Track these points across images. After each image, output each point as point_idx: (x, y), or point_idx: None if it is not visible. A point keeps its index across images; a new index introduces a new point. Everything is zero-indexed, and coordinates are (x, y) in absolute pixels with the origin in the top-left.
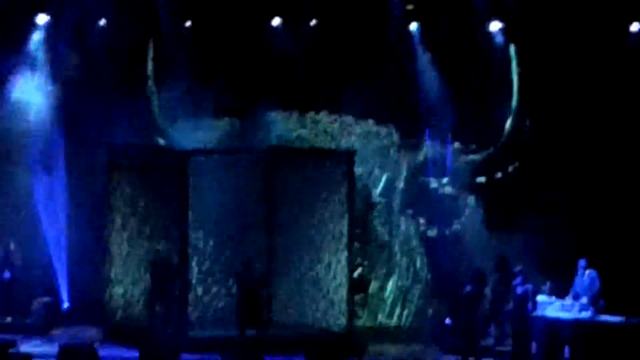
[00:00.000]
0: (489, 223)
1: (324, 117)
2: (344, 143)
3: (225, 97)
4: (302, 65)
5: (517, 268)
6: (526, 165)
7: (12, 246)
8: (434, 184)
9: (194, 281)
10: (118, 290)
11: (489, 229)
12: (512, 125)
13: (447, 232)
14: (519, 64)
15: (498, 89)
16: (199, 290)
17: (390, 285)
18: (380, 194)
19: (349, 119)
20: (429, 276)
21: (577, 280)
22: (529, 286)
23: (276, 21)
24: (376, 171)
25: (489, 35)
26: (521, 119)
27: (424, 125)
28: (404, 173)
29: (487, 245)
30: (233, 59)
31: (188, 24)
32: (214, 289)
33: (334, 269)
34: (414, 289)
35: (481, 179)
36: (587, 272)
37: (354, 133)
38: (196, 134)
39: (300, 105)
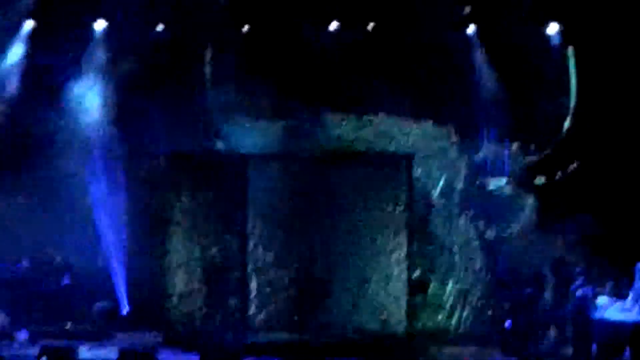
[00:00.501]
0: (547, 223)
1: (382, 118)
2: (402, 144)
3: (281, 100)
4: (358, 67)
5: (578, 270)
6: (585, 164)
7: (72, 252)
8: (492, 185)
9: (253, 284)
10: (177, 294)
11: (546, 229)
12: (570, 125)
13: (506, 233)
14: (576, 64)
15: (555, 90)
16: (258, 294)
17: (449, 286)
18: (439, 195)
19: (407, 120)
20: (488, 277)
21: (636, 283)
22: (589, 288)
23: (334, 25)
24: (435, 172)
25: (546, 37)
26: (579, 119)
27: (482, 126)
28: (463, 174)
29: (546, 246)
30: (289, 62)
31: (245, 28)
32: (274, 292)
33: (394, 271)
34: (473, 290)
35: (540, 180)
36: None
37: (413, 134)
38: (253, 136)
39: (358, 108)
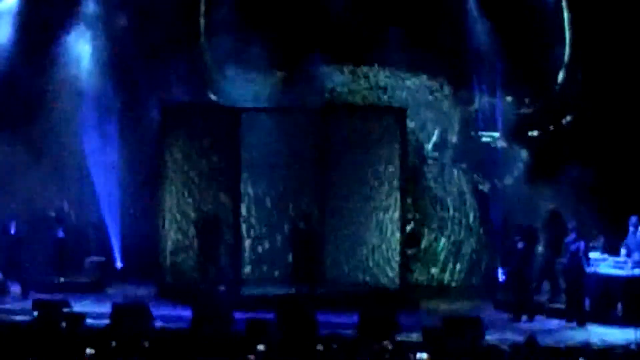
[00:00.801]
0: (539, 176)
1: (375, 70)
2: (396, 97)
3: (275, 51)
4: (351, 18)
5: (571, 224)
6: (578, 118)
7: (65, 205)
8: (486, 137)
9: (246, 238)
10: (171, 248)
11: (538, 182)
12: (564, 78)
13: (499, 186)
14: (570, 17)
15: (549, 43)
16: (251, 248)
17: (442, 239)
18: (433, 148)
19: (400, 72)
20: (481, 230)
21: (629, 238)
22: (582, 243)
23: None
24: (428, 125)
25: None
26: (573, 72)
27: (476, 79)
28: (456, 127)
29: (538, 199)
30: (283, 13)
31: None
32: (267, 246)
33: (387, 224)
34: (466, 243)
35: (533, 133)
36: (639, 229)
37: (406, 87)
38: (247, 87)
39: (351, 59)
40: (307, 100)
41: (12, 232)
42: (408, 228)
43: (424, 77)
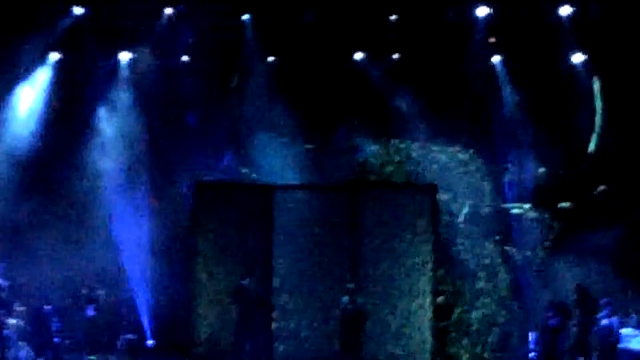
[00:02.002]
0: (572, 249)
1: (407, 143)
2: (427, 169)
3: (308, 125)
4: (385, 95)
5: (604, 300)
6: (610, 187)
7: (95, 283)
8: (517, 209)
9: (279, 315)
10: (204, 325)
11: (570, 253)
12: (596, 147)
13: (531, 258)
14: (601, 84)
15: (580, 117)
16: (285, 324)
17: (474, 312)
18: (464, 220)
19: (432, 144)
20: (514, 303)
21: None
22: (615, 319)
23: (359, 55)
24: (460, 197)
25: (572, 67)
26: (604, 140)
27: (507, 151)
28: (488, 198)
29: (570, 270)
30: (316, 88)
31: (271, 58)
32: (301, 322)
33: (420, 297)
34: (499, 315)
35: (565, 204)
36: None
37: (437, 159)
38: (278, 159)
39: (383, 132)
40: (338, 174)
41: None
42: (440, 299)
43: (455, 148)
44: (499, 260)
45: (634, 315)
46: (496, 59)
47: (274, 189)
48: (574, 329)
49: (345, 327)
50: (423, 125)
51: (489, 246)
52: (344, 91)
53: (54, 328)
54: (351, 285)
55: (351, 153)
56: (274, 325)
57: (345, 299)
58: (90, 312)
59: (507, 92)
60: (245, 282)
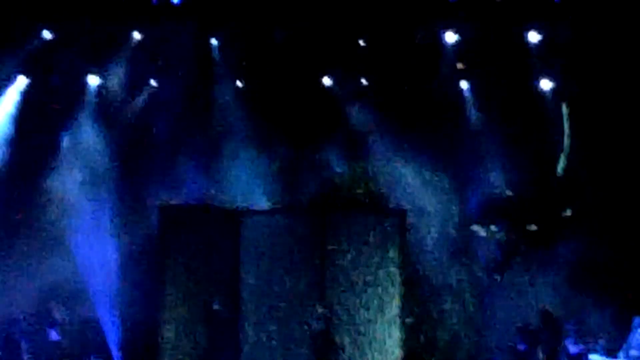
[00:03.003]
0: (538, 272)
1: (378, 166)
2: (398, 192)
3: (278, 146)
4: (353, 117)
5: (570, 325)
6: (578, 211)
7: (52, 305)
8: (482, 232)
9: (248, 338)
10: (171, 347)
11: (537, 275)
12: (564, 168)
13: (499, 279)
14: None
15: (548, 140)
16: (255, 347)
17: (442, 333)
18: (433, 242)
19: (401, 166)
20: (481, 324)
21: (631, 338)
22: (582, 345)
23: (327, 81)
24: (429, 219)
25: (540, 93)
26: (573, 162)
27: (475, 173)
28: (456, 221)
29: (536, 295)
30: (284, 109)
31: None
32: (271, 345)
33: (388, 318)
34: (465, 337)
35: (532, 227)
36: None
37: (406, 180)
38: (247, 181)
39: (353, 155)
40: (307, 193)
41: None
42: (408, 320)
43: (426, 172)
44: (466, 282)
45: (601, 341)
46: (464, 84)
47: (240, 214)
48: (541, 354)
49: (317, 352)
50: (391, 147)
51: (457, 268)
52: (313, 113)
53: (24, 354)
54: (325, 311)
55: (320, 172)
56: (243, 349)
57: (318, 323)
58: (55, 336)
59: (475, 116)
60: (216, 306)
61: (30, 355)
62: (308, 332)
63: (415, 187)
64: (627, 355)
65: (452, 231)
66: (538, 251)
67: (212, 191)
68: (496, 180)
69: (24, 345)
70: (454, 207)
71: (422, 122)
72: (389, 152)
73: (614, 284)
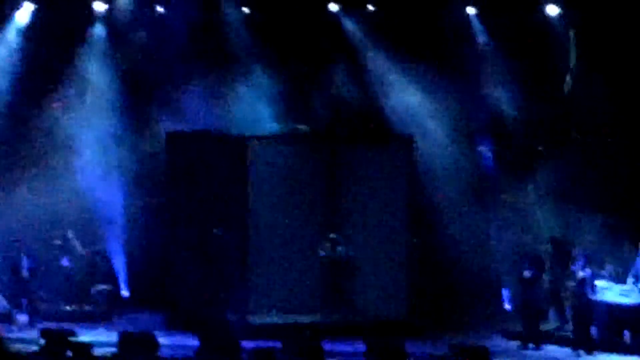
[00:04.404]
0: (547, 198)
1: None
2: (406, 118)
3: (287, 74)
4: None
5: (578, 251)
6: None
7: (70, 234)
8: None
9: (254, 266)
10: (178, 277)
11: (545, 205)
12: (569, 90)
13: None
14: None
15: (553, 63)
16: (259, 276)
17: (448, 259)
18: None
19: (409, 93)
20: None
21: (638, 263)
22: (589, 270)
23: (334, 7)
24: (436, 144)
25: (546, 19)
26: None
27: (481, 96)
28: (464, 145)
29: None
30: (291, 39)
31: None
32: (275, 275)
33: (396, 244)
34: (472, 264)
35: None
36: None
37: (415, 109)
38: (255, 109)
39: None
40: (316, 119)
41: (25, 270)
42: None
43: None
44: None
45: (608, 267)
46: (471, 10)
47: (247, 139)
48: (547, 280)
49: (327, 277)
50: (397, 73)
51: (463, 194)
52: (319, 38)
53: (28, 278)
54: (333, 235)
55: (327, 95)
56: (250, 276)
57: (327, 249)
58: (65, 262)
59: (482, 42)
60: (218, 230)
61: (28, 273)
62: (319, 259)
63: (422, 114)
64: (635, 282)
65: (460, 156)
66: (543, 172)
67: (220, 117)
68: (502, 101)
69: (24, 263)
70: (460, 132)
71: (429, 48)
72: (396, 78)
73: (619, 207)
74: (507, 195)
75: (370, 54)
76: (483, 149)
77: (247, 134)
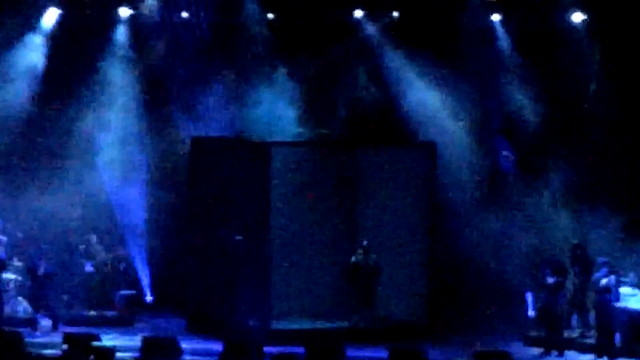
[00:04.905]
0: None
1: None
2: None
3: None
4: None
5: (602, 259)
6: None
7: (93, 239)
8: (511, 156)
9: (275, 271)
10: (200, 282)
11: (568, 213)
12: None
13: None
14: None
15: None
16: (281, 281)
17: (468, 265)
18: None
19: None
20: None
21: None
22: (613, 277)
23: (359, 13)
24: (457, 150)
25: (571, 26)
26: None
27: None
28: (483, 151)
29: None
30: (314, 46)
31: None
32: (297, 280)
33: (414, 257)
34: (491, 269)
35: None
36: None
37: (436, 113)
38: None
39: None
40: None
41: (41, 272)
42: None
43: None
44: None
45: (631, 274)
46: (496, 17)
47: (270, 145)
48: (570, 287)
49: (358, 284)
50: (419, 77)
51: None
52: (343, 43)
53: (44, 281)
54: (365, 242)
55: (349, 97)
56: (272, 282)
57: (359, 255)
58: (89, 268)
59: (506, 49)
60: (238, 237)
61: (45, 274)
62: (345, 264)
63: (443, 118)
64: None
65: (480, 162)
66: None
67: (242, 121)
68: (522, 104)
69: (42, 266)
70: (480, 135)
71: (451, 52)
72: (417, 80)
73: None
74: (525, 197)
75: (391, 57)
76: (505, 152)
77: (269, 139)
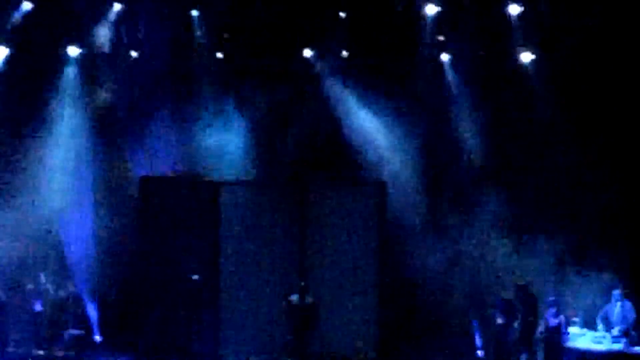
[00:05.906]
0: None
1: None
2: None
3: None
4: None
5: (551, 298)
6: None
7: (42, 278)
8: None
9: (226, 311)
10: (151, 322)
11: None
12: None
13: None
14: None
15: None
16: (230, 319)
17: (419, 302)
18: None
19: (378, 134)
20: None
21: (609, 309)
22: (562, 317)
23: (307, 52)
24: (404, 187)
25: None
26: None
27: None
28: (430, 187)
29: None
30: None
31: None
32: (245, 319)
33: (366, 288)
34: (443, 305)
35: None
36: (621, 302)
37: (384, 151)
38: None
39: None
40: (286, 164)
41: None
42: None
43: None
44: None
45: (580, 313)
46: (445, 56)
47: (220, 185)
48: (517, 326)
49: (295, 324)
50: (367, 115)
51: (429, 235)
52: (292, 82)
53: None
54: (302, 283)
55: (298, 139)
56: (221, 319)
57: (295, 296)
58: (38, 307)
59: (455, 88)
60: (196, 277)
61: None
62: (286, 305)
63: (390, 156)
64: (606, 328)
65: (425, 198)
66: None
67: (191, 162)
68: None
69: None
70: (426, 176)
71: (401, 92)
72: (366, 121)
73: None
74: (464, 229)
75: (341, 95)
76: None
77: (219, 174)
